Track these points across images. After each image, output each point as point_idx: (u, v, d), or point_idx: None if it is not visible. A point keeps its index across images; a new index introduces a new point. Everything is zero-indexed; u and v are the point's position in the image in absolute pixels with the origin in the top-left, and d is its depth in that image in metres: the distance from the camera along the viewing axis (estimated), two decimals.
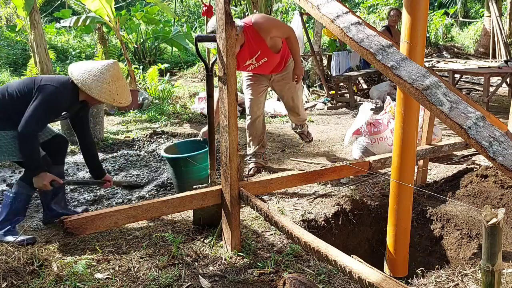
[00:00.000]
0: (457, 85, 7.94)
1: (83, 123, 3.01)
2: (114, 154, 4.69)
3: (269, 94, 8.19)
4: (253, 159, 4.13)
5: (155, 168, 4.19)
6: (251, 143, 4.17)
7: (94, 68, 2.75)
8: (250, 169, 4.07)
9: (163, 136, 5.31)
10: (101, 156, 4.65)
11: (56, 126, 5.78)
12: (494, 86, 6.91)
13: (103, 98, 2.75)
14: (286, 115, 6.69)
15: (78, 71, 2.74)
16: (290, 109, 4.18)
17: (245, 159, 4.14)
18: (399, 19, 7.17)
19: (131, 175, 4.01)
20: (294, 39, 3.68)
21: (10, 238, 2.64)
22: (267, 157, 4.40)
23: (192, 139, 4.13)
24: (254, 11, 8.40)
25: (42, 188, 2.71)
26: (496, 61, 11.80)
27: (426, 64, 10.91)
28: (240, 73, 6.13)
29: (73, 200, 3.49)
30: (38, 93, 2.64)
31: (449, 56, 13.78)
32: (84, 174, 4.04)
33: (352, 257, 1.75)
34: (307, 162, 4.34)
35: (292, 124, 4.49)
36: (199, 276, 2.28)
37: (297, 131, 4.51)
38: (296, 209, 3.23)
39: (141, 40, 11.62)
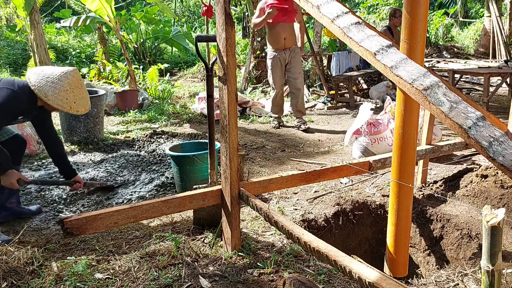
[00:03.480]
0: (457, 85, 7.94)
1: (44, 125, 3.00)
2: (114, 154, 4.69)
3: (268, 94, 8.21)
4: (276, 121, 5.96)
5: (155, 168, 4.19)
6: (274, 110, 5.93)
7: (52, 74, 2.72)
8: (276, 124, 5.93)
9: (163, 136, 5.31)
10: (101, 156, 4.66)
11: (56, 126, 5.78)
12: (494, 86, 6.91)
13: (59, 106, 2.72)
14: (286, 115, 6.71)
15: (36, 76, 2.70)
16: (294, 85, 5.68)
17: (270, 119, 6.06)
18: None
19: (129, 176, 4.02)
20: (304, 27, 5.92)
21: None
22: (267, 157, 4.49)
23: (197, 140, 4.17)
24: (254, 11, 8.40)
25: (9, 187, 2.71)
26: (496, 61, 11.80)
27: (426, 64, 10.91)
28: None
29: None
30: None
31: (449, 56, 13.78)
32: (84, 174, 4.04)
33: (352, 257, 1.75)
34: (307, 162, 4.34)
35: (295, 121, 5.92)
36: (199, 276, 2.28)
37: (301, 128, 5.77)
38: (296, 209, 3.23)
39: (141, 40, 11.62)
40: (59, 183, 3.38)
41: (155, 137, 5.25)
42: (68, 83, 2.73)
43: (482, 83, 7.36)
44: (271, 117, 6.14)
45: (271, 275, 2.30)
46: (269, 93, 7.85)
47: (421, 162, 3.59)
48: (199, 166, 3.34)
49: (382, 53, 1.58)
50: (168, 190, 3.66)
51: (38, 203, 3.40)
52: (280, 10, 5.26)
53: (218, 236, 2.67)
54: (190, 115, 6.53)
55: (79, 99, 2.80)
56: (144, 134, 5.32)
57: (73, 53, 11.74)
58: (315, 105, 7.45)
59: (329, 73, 8.42)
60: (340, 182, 3.78)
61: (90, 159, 4.56)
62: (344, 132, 5.35)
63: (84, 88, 2.88)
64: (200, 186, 2.74)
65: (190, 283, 2.22)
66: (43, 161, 4.46)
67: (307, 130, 5.69)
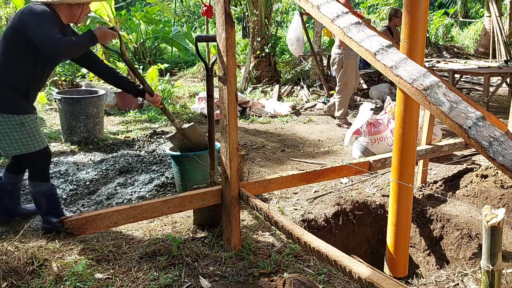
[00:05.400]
0: (457, 85, 7.94)
1: (91, 55, 2.95)
2: (114, 154, 4.69)
3: (268, 94, 8.20)
4: (341, 120, 5.97)
5: (155, 168, 4.19)
6: (345, 109, 5.97)
7: None
8: (343, 124, 5.93)
9: (163, 136, 5.31)
10: (101, 156, 4.66)
11: (56, 127, 5.78)
12: (494, 86, 6.91)
13: None
14: (286, 115, 6.72)
15: None
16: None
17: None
18: None
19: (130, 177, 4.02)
20: None
21: None
22: (267, 157, 4.50)
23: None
24: (254, 11, 8.40)
25: (111, 37, 2.73)
26: (496, 61, 11.80)
27: (426, 64, 10.90)
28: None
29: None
30: (27, 20, 2.50)
31: (449, 56, 13.77)
32: (84, 174, 4.04)
33: (352, 257, 1.75)
34: (307, 162, 4.34)
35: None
36: (199, 276, 2.28)
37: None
38: (296, 209, 3.23)
39: (141, 40, 11.62)
40: (144, 84, 3.07)
41: (155, 137, 5.25)
42: None
43: (482, 83, 7.36)
44: (336, 118, 6.13)
45: (271, 275, 2.30)
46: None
47: (421, 162, 3.59)
48: (199, 166, 3.34)
49: (382, 53, 1.58)
50: (168, 190, 3.65)
51: None
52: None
53: (218, 236, 2.67)
54: (190, 115, 6.53)
55: None
56: (144, 134, 5.32)
57: None
58: (315, 105, 7.45)
59: (329, 73, 8.42)
60: (340, 182, 3.77)
61: (90, 159, 4.56)
62: (344, 132, 5.35)
63: None
64: (200, 186, 2.74)
65: (190, 283, 2.22)
66: None
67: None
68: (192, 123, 3.46)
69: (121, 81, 3.05)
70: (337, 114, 6.04)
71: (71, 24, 2.88)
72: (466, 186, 3.46)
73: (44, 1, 2.62)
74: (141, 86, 3.04)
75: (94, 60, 2.98)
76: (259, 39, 8.57)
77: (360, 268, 1.65)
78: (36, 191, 2.80)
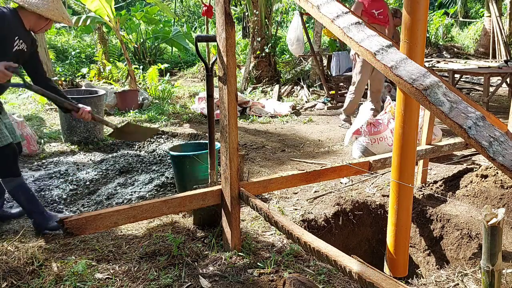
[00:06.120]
0: (457, 85, 7.94)
1: (35, 58, 2.92)
2: (114, 154, 4.69)
3: (268, 94, 8.21)
4: (347, 121, 5.93)
5: (155, 168, 4.19)
6: (351, 109, 5.93)
7: None
8: (346, 123, 5.90)
9: (163, 136, 5.31)
10: (101, 156, 4.66)
11: (56, 127, 5.78)
12: (494, 86, 6.91)
13: (53, 16, 2.71)
14: (286, 115, 6.72)
15: None
16: (377, 86, 5.88)
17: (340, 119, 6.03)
18: None
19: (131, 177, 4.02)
20: (392, 30, 6.04)
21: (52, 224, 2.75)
22: (267, 157, 4.50)
23: (197, 141, 4.16)
24: (254, 11, 8.40)
25: (3, 80, 2.53)
26: (496, 61, 11.80)
27: (426, 64, 10.91)
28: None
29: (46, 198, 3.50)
30: None
31: (449, 56, 13.78)
32: (84, 174, 4.04)
33: (352, 257, 1.75)
34: (307, 162, 4.34)
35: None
36: (199, 276, 2.28)
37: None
38: (296, 209, 3.23)
39: (141, 40, 11.62)
40: (63, 103, 2.97)
41: (155, 137, 5.25)
42: None
43: (482, 83, 7.37)
44: (344, 120, 6.01)
45: (271, 275, 2.29)
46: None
47: (421, 162, 3.59)
48: (199, 166, 3.34)
49: (382, 53, 1.58)
50: (168, 190, 3.66)
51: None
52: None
53: (218, 236, 2.67)
54: (190, 115, 6.53)
55: (65, 11, 2.81)
56: None
57: (73, 53, 11.73)
58: (315, 105, 7.45)
59: (329, 73, 8.42)
60: (340, 182, 3.78)
61: (90, 159, 4.56)
62: (344, 132, 5.35)
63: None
64: (200, 186, 2.74)
65: (190, 283, 2.22)
66: (43, 161, 4.46)
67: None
68: (127, 121, 3.50)
69: (56, 98, 2.97)
70: (343, 109, 6.03)
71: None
72: (466, 186, 3.46)
73: (18, 4, 2.67)
74: (77, 104, 3.02)
75: (38, 71, 2.95)
76: (259, 39, 8.57)
77: (360, 268, 1.65)
78: (11, 188, 2.83)
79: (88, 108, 3.02)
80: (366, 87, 6.00)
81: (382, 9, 5.54)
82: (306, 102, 7.73)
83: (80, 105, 3.00)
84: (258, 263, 2.41)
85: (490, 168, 3.47)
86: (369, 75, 5.67)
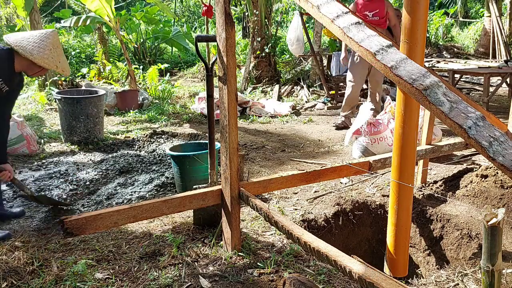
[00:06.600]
0: (457, 85, 7.94)
1: (11, 99, 2.88)
2: (114, 154, 4.69)
3: (268, 94, 8.21)
4: (343, 118, 5.86)
5: (155, 168, 4.19)
6: (346, 107, 5.86)
7: (33, 35, 2.71)
8: (339, 122, 5.88)
9: (163, 136, 5.31)
10: (101, 156, 4.66)
11: (56, 127, 5.78)
12: (494, 86, 6.91)
13: (47, 64, 2.69)
14: (286, 115, 6.72)
15: (15, 37, 2.67)
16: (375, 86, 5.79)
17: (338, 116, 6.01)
18: None
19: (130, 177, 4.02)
20: (399, 31, 5.27)
21: None
22: (267, 157, 4.49)
23: (197, 141, 4.16)
24: (254, 11, 8.40)
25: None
26: (496, 61, 11.80)
27: (426, 64, 10.91)
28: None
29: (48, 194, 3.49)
30: None
31: (449, 56, 13.77)
32: (84, 174, 4.04)
33: (352, 257, 1.75)
34: (307, 162, 4.34)
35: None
36: (199, 276, 2.28)
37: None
38: (296, 209, 3.23)
39: (141, 40, 11.62)
40: None
41: (155, 137, 5.25)
42: (50, 42, 2.72)
43: (482, 83, 7.36)
44: (342, 117, 5.98)
45: (271, 275, 2.30)
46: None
47: (421, 162, 3.59)
48: (199, 166, 3.35)
49: (382, 53, 1.58)
50: (168, 190, 3.66)
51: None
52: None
53: (218, 236, 2.67)
54: (190, 115, 6.53)
55: (63, 60, 2.79)
56: (144, 134, 5.32)
57: (73, 53, 11.73)
58: (315, 105, 7.45)
59: (329, 73, 8.42)
60: (340, 182, 3.77)
61: (90, 159, 4.56)
62: (344, 132, 5.35)
63: (62, 50, 2.87)
64: (200, 186, 2.74)
65: (190, 283, 2.22)
66: (43, 161, 4.46)
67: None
68: (42, 193, 3.44)
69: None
70: (341, 109, 6.04)
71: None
72: (466, 186, 3.46)
73: (12, 44, 2.64)
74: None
75: (6, 111, 2.91)
76: (259, 39, 8.57)
77: (360, 268, 1.65)
78: None
79: (10, 168, 2.91)
80: (366, 87, 6.00)
81: (377, 9, 5.41)
82: (306, 102, 7.73)
83: (3, 165, 2.88)
84: (258, 263, 2.41)
85: (490, 168, 3.47)
86: (360, 75, 5.68)
